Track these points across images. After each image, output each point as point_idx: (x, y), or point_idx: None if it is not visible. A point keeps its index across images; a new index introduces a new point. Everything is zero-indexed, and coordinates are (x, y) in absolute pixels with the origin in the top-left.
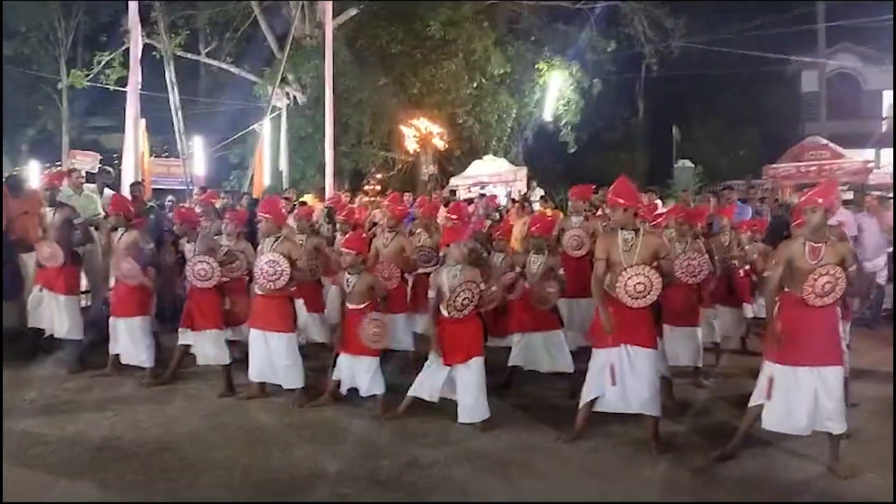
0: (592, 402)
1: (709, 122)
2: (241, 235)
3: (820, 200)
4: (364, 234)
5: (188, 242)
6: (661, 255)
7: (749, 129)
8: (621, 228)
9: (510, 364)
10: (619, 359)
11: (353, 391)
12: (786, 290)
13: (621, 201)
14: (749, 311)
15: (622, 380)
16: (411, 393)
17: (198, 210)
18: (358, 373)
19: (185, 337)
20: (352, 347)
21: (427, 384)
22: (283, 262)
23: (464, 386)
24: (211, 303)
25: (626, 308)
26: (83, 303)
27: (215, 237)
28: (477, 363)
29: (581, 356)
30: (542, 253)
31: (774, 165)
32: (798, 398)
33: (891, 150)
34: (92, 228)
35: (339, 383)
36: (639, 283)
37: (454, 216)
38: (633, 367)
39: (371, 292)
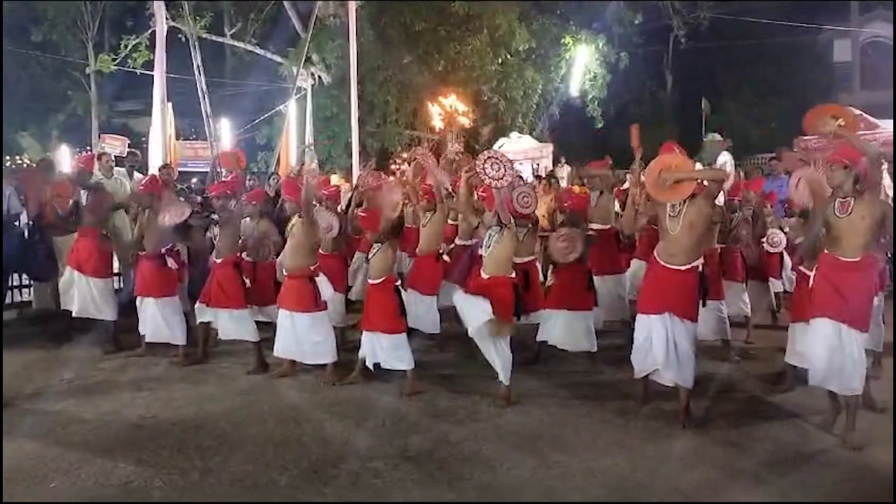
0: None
1: (739, 95)
2: (264, 216)
3: (840, 158)
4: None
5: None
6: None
7: (780, 100)
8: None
9: (538, 339)
10: (661, 327)
11: (380, 368)
12: (825, 251)
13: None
14: (778, 285)
15: (666, 349)
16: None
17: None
18: (382, 349)
19: (203, 314)
20: (371, 324)
21: None
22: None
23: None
24: (232, 281)
25: (673, 276)
26: (115, 284)
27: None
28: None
29: (605, 335)
30: (577, 227)
31: (806, 137)
32: (839, 353)
33: None
34: (122, 211)
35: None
36: None
37: (484, 195)
38: (673, 339)
39: (385, 268)
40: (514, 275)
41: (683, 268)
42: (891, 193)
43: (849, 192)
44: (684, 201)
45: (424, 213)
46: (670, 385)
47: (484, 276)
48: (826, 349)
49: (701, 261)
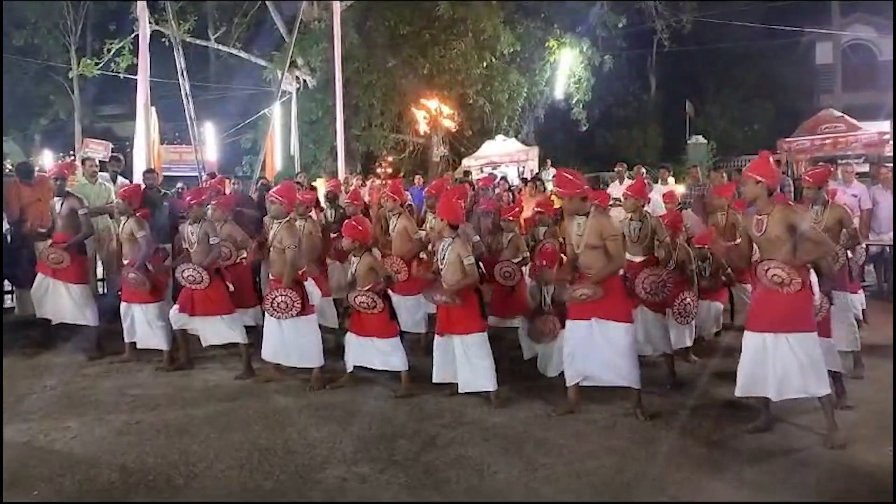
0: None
1: (722, 97)
2: (228, 220)
3: (751, 174)
4: (362, 218)
5: (189, 225)
6: (604, 236)
7: (763, 102)
8: (576, 214)
9: (526, 357)
10: (589, 332)
11: (367, 372)
12: (755, 260)
13: (562, 191)
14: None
15: (600, 353)
16: (435, 379)
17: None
18: (378, 352)
19: (180, 321)
20: (362, 329)
21: (441, 367)
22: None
23: (461, 359)
24: (216, 287)
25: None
26: (99, 290)
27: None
28: (474, 339)
29: None
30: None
31: (788, 139)
32: (763, 363)
33: None
34: (106, 216)
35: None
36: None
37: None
38: (608, 341)
39: (373, 273)
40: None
41: None
42: (845, 199)
43: (763, 206)
44: (587, 219)
45: (391, 216)
46: (614, 385)
47: (445, 286)
48: (749, 362)
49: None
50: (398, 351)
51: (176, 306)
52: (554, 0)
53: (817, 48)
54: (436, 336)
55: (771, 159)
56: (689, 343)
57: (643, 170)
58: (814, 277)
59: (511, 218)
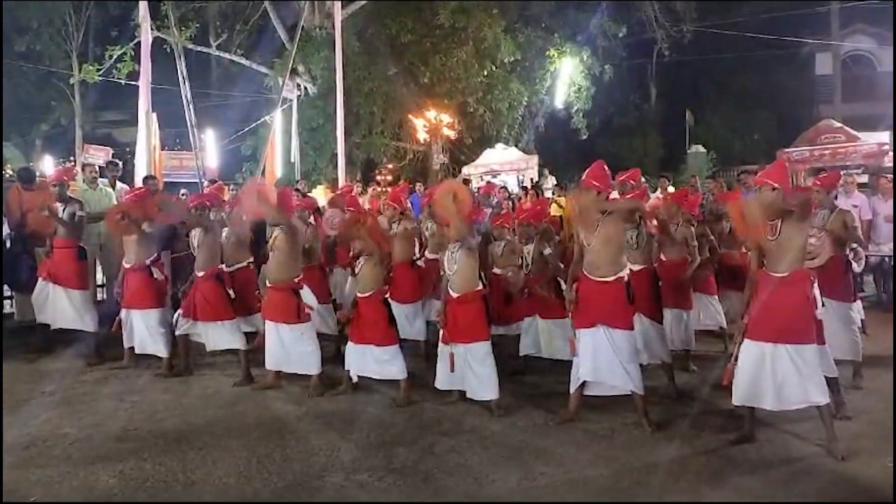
0: (583, 384)
1: (722, 107)
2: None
3: (767, 179)
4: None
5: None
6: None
7: (763, 112)
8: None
9: (521, 353)
10: (596, 338)
11: (367, 379)
12: (762, 269)
13: (596, 184)
14: None
15: (609, 359)
16: (439, 386)
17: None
18: (376, 360)
19: (184, 327)
20: (361, 337)
21: (446, 374)
22: None
23: (466, 367)
24: (217, 293)
25: (601, 290)
26: (99, 296)
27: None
28: (479, 347)
29: None
30: (531, 241)
31: (788, 149)
32: (762, 373)
33: None
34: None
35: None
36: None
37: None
38: (615, 347)
39: (377, 280)
40: (481, 287)
41: (608, 279)
42: (852, 211)
43: (778, 212)
44: (604, 217)
45: (391, 223)
46: (612, 394)
47: (453, 294)
48: (748, 371)
49: (627, 271)
50: (397, 359)
51: (179, 312)
52: (556, 1)
53: (817, 59)
54: (440, 344)
55: (787, 165)
56: (690, 346)
57: (642, 179)
58: (816, 290)
59: (500, 225)
